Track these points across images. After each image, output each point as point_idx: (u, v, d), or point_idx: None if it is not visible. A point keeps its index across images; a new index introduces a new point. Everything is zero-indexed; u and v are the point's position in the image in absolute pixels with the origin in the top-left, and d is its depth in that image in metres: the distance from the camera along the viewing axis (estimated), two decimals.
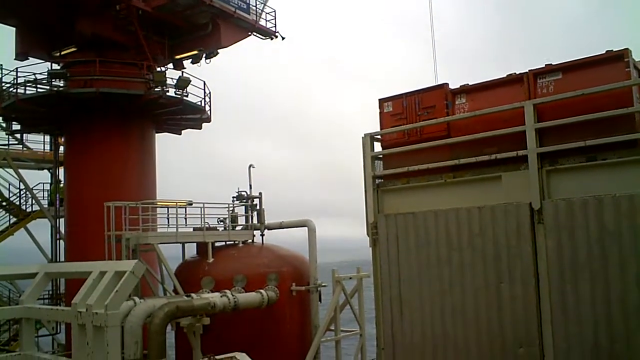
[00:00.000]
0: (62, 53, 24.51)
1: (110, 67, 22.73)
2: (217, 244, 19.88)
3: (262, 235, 20.61)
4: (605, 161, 9.62)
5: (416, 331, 11.44)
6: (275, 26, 26.68)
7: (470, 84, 11.81)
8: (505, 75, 11.28)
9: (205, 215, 19.22)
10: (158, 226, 19.27)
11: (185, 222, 19.27)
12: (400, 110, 12.47)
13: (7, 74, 23.87)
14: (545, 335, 9.93)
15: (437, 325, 11.14)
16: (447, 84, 12.11)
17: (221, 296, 16.04)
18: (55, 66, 24.31)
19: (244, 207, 20.74)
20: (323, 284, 19.70)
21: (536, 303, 10.03)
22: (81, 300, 8.19)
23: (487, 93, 11.45)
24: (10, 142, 28.38)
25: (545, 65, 10.73)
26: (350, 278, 19.50)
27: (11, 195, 27.97)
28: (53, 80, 23.07)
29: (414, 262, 11.56)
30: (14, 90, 23.07)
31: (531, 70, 10.87)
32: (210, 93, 25.52)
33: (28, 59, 24.31)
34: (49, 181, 28.92)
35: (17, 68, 23.42)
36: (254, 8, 25.71)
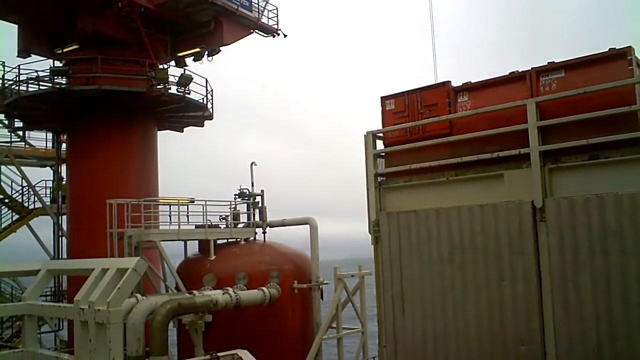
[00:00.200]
0: (64, 50, 24.48)
1: (112, 64, 22.70)
2: (219, 242, 19.89)
3: (264, 232, 20.61)
4: (608, 159, 9.61)
5: (418, 329, 11.46)
6: (277, 24, 26.65)
7: (472, 81, 11.80)
8: (507, 73, 11.28)
9: (207, 213, 19.21)
10: (160, 223, 19.27)
11: (187, 220, 19.27)
12: (403, 108, 12.48)
13: (10, 71, 23.97)
14: (547, 333, 9.94)
15: (439, 323, 11.15)
16: (449, 82, 12.11)
17: (223, 293, 16.06)
18: (58, 63, 24.30)
19: (246, 204, 20.77)
20: (325, 282, 19.73)
21: (538, 301, 10.04)
22: (83, 297, 8.20)
23: (489, 91, 11.45)
24: (12, 140, 28.47)
25: (548, 63, 10.72)
26: (352, 276, 19.50)
27: (13, 192, 28.12)
28: (55, 77, 23.06)
29: (415, 260, 11.56)
30: (17, 88, 23.09)
31: (534, 68, 10.86)
32: (212, 90, 25.52)
33: (30, 56, 24.30)
34: (51, 178, 28.94)
35: (19, 65, 23.47)
36: (256, 6, 25.65)
